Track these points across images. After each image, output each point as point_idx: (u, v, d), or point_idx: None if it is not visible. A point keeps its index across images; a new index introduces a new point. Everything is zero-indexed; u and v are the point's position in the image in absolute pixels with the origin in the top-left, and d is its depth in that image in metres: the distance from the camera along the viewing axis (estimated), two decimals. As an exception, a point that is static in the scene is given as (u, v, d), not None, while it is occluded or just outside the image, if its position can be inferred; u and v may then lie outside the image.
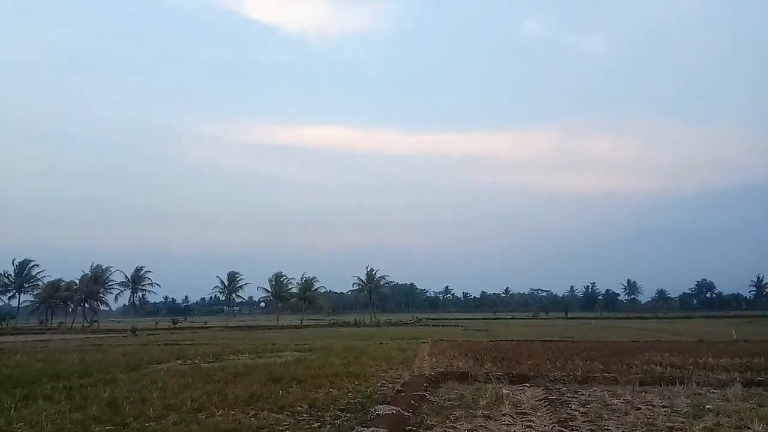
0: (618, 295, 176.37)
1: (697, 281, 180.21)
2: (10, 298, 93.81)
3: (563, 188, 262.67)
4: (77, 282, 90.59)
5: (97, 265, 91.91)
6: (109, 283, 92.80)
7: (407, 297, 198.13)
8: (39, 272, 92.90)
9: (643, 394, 10.97)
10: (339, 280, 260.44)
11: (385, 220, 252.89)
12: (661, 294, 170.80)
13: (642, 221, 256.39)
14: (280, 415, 9.50)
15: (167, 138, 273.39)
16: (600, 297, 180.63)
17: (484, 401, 9.77)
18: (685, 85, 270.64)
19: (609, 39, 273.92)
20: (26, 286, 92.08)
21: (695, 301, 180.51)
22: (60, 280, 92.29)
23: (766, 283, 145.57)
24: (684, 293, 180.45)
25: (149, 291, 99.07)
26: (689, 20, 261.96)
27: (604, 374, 13.33)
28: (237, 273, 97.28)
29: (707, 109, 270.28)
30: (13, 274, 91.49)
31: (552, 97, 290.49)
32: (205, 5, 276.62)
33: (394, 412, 8.12)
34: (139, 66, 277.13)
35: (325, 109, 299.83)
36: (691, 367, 16.21)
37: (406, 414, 8.09)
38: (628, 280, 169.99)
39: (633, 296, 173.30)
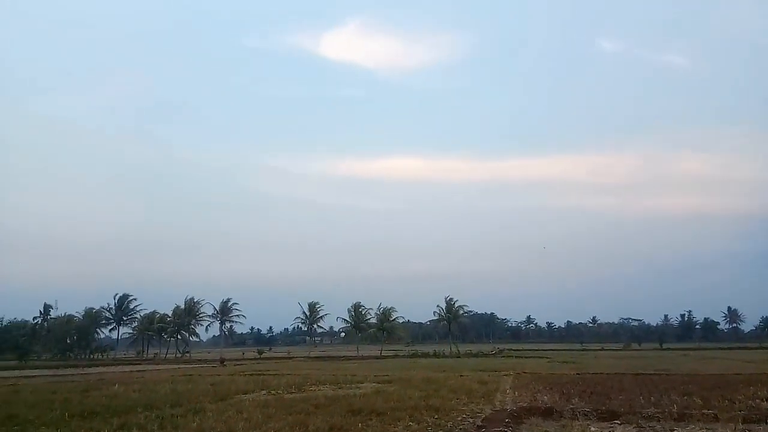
0: (718, 323, 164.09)
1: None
2: (110, 330, 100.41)
3: (651, 210, 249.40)
4: (170, 315, 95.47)
5: (191, 298, 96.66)
6: (200, 315, 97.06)
7: (488, 327, 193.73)
8: (136, 305, 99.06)
9: (748, 433, 10.11)
10: (418, 310, 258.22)
11: (461, 248, 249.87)
12: (766, 322, 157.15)
13: (742, 244, 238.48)
14: (359, 449, 9.52)
15: (248, 175, 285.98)
16: (698, 326, 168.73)
17: (570, 439, 9.36)
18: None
19: (690, 54, 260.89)
20: (125, 319, 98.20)
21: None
22: (155, 312, 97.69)
23: None
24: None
25: (236, 322, 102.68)
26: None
27: (703, 411, 12.39)
28: (317, 303, 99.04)
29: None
30: (113, 307, 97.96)
31: (634, 117, 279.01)
32: (282, 46, 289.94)
33: (474, 448, 7.93)
34: (220, 109, 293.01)
35: (394, 139, 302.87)
36: (804, 403, 14.80)
37: (487, 451, 7.87)
38: (729, 308, 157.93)
39: (734, 325, 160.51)
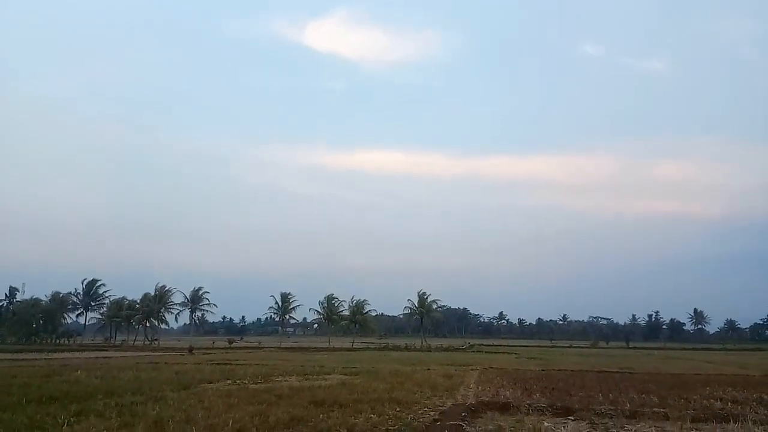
0: (684, 324, 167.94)
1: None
2: (78, 315, 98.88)
3: (625, 213, 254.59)
4: (139, 301, 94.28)
5: (161, 286, 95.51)
6: (170, 303, 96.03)
7: (460, 322, 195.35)
8: (105, 291, 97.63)
9: (694, 431, 10.44)
10: (392, 303, 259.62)
11: (436, 243, 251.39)
12: (731, 324, 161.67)
13: (710, 247, 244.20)
14: (317, 440, 9.58)
15: (226, 163, 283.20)
16: (664, 326, 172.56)
17: (522, 434, 9.56)
18: (756, 107, 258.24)
19: (670, 60, 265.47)
20: (93, 304, 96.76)
21: (767, 333, 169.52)
22: (123, 298, 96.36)
23: None
24: (755, 324, 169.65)
25: (207, 311, 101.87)
26: (756, 40, 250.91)
27: (655, 409, 12.75)
28: (290, 294, 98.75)
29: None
30: (81, 292, 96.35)
31: (612, 120, 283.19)
32: (266, 36, 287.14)
33: (425, 441, 8.06)
34: (202, 95, 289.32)
35: (376, 133, 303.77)
36: (754, 403, 15.35)
37: (438, 444, 8.01)
38: (695, 309, 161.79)
39: (700, 326, 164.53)
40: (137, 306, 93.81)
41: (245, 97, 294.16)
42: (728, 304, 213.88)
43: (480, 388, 18.43)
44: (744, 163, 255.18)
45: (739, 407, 14.20)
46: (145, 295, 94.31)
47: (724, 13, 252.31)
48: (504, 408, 12.73)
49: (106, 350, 62.88)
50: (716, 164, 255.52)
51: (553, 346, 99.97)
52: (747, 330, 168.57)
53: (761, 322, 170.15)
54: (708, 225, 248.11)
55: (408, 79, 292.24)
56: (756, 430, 10.53)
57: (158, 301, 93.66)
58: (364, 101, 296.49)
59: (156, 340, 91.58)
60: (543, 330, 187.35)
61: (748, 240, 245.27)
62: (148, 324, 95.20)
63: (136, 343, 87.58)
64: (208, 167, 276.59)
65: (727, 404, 15.02)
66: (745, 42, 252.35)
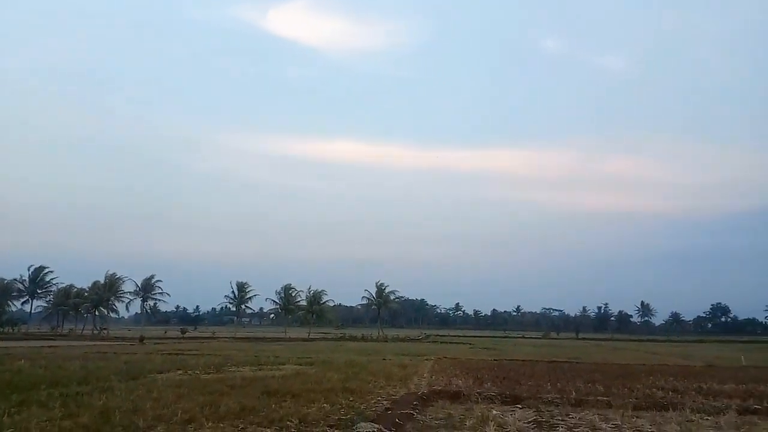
0: (631, 316, 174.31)
1: (712, 305, 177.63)
2: (23, 303, 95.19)
3: (578, 207, 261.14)
4: (87, 289, 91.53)
5: (112, 274, 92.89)
6: (120, 292, 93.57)
7: (418, 313, 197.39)
8: (53, 278, 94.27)
9: (635, 419, 10.86)
10: (350, 293, 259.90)
11: (396, 234, 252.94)
12: (675, 317, 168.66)
13: (658, 242, 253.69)
14: (268, 430, 9.50)
15: (181, 149, 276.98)
16: (612, 318, 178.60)
17: (471, 422, 9.74)
18: (704, 105, 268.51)
19: (626, 57, 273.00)
20: (39, 292, 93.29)
21: (710, 325, 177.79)
22: (71, 286, 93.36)
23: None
24: (699, 317, 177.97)
25: (160, 300, 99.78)
26: (707, 40, 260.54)
27: (599, 397, 13.20)
28: (246, 284, 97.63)
29: (727, 129, 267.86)
30: (27, 279, 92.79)
31: (569, 116, 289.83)
32: (226, 19, 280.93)
33: (375, 430, 8.14)
34: (159, 78, 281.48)
35: (337, 122, 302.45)
36: (693, 392, 16.03)
37: (388, 432, 8.10)
38: (642, 302, 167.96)
39: (646, 318, 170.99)
40: (86, 294, 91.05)
41: (204, 81, 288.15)
42: (673, 298, 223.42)
43: (433, 377, 18.68)
44: (694, 161, 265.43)
45: (679, 396, 14.82)
46: (95, 283, 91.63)
47: (681, 13, 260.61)
48: (455, 396, 12.95)
49: (53, 339, 60.89)
50: (667, 162, 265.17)
51: (506, 337, 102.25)
52: (690, 322, 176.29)
53: (704, 315, 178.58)
54: (656, 221, 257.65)
55: (372, 68, 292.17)
56: (693, 417, 11.03)
57: (108, 289, 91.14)
58: (326, 90, 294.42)
59: (105, 329, 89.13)
60: (498, 321, 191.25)
61: (693, 236, 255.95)
62: (97, 313, 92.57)
63: (84, 332, 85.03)
64: (165, 151, 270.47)
65: (668, 393, 15.66)
66: (701, 42, 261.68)
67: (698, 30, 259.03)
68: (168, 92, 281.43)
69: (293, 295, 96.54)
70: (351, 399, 13.16)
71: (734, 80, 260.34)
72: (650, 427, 9.98)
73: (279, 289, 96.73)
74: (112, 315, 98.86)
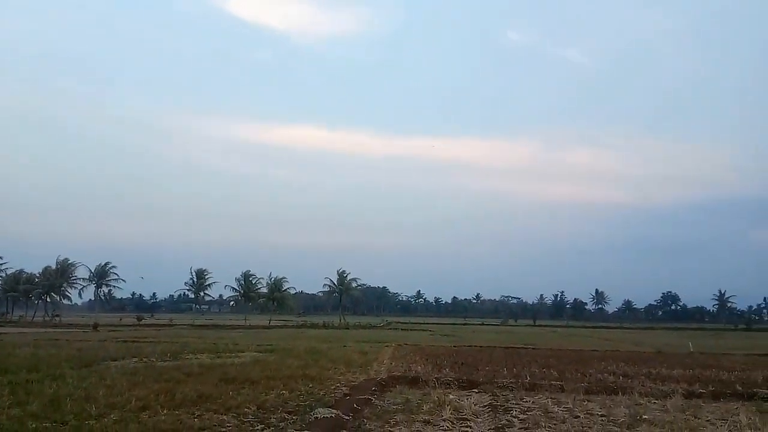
0: (586, 304, 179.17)
1: (663, 293, 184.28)
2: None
3: (538, 197, 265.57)
4: (39, 275, 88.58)
5: (64, 259, 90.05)
6: (73, 278, 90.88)
7: (380, 300, 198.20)
8: (1, 263, 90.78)
9: (586, 402, 11.22)
10: (312, 281, 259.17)
11: (359, 221, 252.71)
12: (628, 305, 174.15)
13: (613, 232, 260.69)
14: (225, 417, 9.44)
15: (140, 132, 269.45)
16: (568, 305, 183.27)
17: (428, 406, 9.89)
18: (663, 101, 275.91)
19: (590, 51, 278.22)
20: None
21: (660, 313, 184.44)
22: (21, 271, 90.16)
23: (727, 298, 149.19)
24: (650, 304, 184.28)
25: (115, 286, 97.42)
26: (669, 38, 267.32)
27: (552, 382, 13.59)
28: (205, 271, 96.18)
29: (682, 125, 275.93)
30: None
31: (533, 107, 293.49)
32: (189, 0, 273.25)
33: (333, 415, 8.18)
34: (117, 59, 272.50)
35: (302, 108, 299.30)
36: (642, 377, 16.63)
37: (346, 418, 8.16)
38: (596, 290, 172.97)
39: (600, 306, 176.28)
40: (37, 280, 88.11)
41: (161, 62, 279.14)
42: (626, 286, 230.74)
43: (393, 363, 18.86)
44: (649, 154, 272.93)
45: (629, 381, 15.38)
46: (46, 269, 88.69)
47: (641, 8, 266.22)
48: (413, 382, 13.13)
49: (2, 326, 58.84)
50: (622, 153, 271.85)
51: (466, 324, 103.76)
52: (642, 310, 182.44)
53: (655, 303, 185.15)
54: (612, 211, 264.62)
55: (337, 54, 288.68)
56: (641, 401, 11.47)
57: (60, 275, 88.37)
58: (289, 74, 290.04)
59: (57, 316, 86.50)
60: (458, 308, 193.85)
61: (647, 227, 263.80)
62: (48, 299, 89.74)
63: (35, 319, 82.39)
64: (121, 134, 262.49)
65: (619, 378, 16.23)
66: (663, 41, 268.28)
67: (659, 29, 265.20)
68: (125, 75, 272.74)
69: (254, 282, 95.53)
70: (310, 386, 13.18)
71: (692, 79, 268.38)
72: (600, 410, 10.33)
73: (239, 276, 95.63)
74: (65, 302, 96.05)
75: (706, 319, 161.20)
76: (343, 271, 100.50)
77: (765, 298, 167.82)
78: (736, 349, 37.37)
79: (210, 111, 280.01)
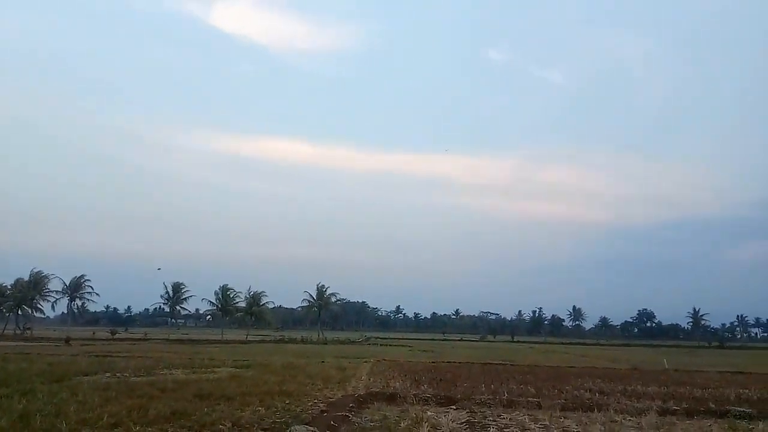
0: (563, 320, 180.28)
1: (639, 310, 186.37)
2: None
3: (518, 215, 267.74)
4: (10, 287, 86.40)
5: (38, 271, 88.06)
6: (46, 290, 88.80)
7: (359, 315, 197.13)
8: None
9: (563, 419, 11.27)
10: (290, 295, 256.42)
11: (338, 237, 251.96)
12: (604, 321, 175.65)
13: (591, 250, 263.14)
14: (199, 434, 9.32)
15: (119, 144, 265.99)
16: (546, 322, 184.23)
17: (405, 423, 9.85)
18: (641, 121, 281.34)
19: (570, 72, 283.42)
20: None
21: (636, 330, 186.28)
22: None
23: (702, 315, 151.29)
24: (626, 321, 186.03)
25: (89, 300, 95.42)
26: (647, 59, 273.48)
27: (530, 399, 13.63)
28: (182, 284, 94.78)
29: (660, 145, 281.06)
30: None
31: (513, 125, 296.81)
32: (170, 12, 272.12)
33: (309, 432, 8.10)
34: (97, 70, 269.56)
35: (283, 122, 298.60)
36: (618, 394, 16.78)
37: (323, 435, 8.08)
38: (574, 307, 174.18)
39: (577, 322, 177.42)
40: (8, 292, 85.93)
41: (142, 73, 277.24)
42: (603, 303, 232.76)
43: (371, 379, 18.76)
44: (627, 173, 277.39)
45: (605, 397, 15.51)
46: (18, 281, 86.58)
47: (618, 31, 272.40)
48: (391, 398, 13.07)
49: (-31, 340, 57.22)
50: (602, 173, 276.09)
51: (444, 339, 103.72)
52: (618, 327, 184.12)
53: (631, 320, 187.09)
54: (589, 229, 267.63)
55: (320, 68, 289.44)
56: (617, 418, 11.56)
57: (33, 287, 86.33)
58: (271, 87, 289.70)
59: (29, 329, 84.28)
60: (437, 324, 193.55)
61: (623, 245, 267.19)
62: (20, 312, 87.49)
63: (6, 332, 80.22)
64: (100, 145, 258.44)
65: (595, 395, 16.36)
66: (635, 60, 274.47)
67: (637, 50, 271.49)
68: (104, 86, 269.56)
69: (231, 296, 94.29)
70: (287, 402, 13.04)
71: (669, 100, 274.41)
72: (576, 427, 10.39)
73: (217, 289, 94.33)
74: (37, 314, 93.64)
75: (681, 336, 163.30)
76: (323, 285, 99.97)
77: (738, 317, 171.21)
78: (709, 366, 37.89)
79: (190, 123, 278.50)
